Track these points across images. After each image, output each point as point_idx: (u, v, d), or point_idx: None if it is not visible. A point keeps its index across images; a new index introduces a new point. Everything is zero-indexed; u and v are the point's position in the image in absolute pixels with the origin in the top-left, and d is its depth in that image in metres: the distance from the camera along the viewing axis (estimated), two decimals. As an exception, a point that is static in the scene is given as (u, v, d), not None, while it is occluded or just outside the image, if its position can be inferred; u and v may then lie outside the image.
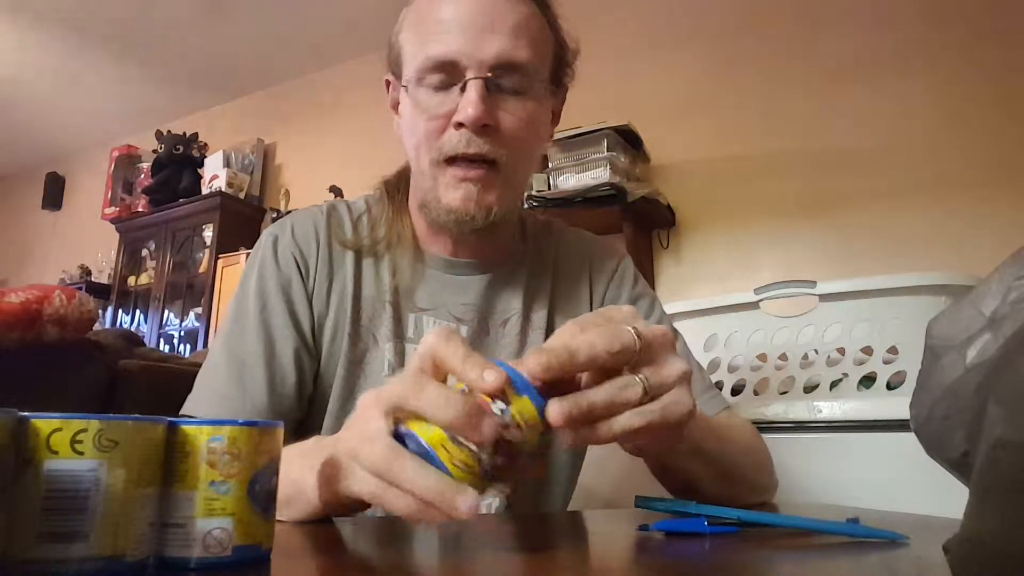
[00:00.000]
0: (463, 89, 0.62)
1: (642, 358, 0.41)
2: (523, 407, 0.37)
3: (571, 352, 0.38)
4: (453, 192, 0.65)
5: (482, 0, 0.63)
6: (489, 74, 0.62)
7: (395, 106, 0.73)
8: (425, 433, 0.36)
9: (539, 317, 0.75)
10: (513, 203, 0.70)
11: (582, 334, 0.40)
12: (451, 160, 0.64)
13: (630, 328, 0.41)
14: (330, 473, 0.42)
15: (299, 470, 0.45)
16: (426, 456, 0.36)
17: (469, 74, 0.62)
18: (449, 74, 0.63)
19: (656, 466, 0.60)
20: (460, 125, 0.63)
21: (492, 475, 0.37)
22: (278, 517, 0.46)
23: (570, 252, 0.80)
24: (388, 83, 0.73)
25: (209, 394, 0.66)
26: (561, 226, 0.84)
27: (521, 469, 0.38)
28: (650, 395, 0.41)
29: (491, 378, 0.36)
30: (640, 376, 0.41)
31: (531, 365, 0.37)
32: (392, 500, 0.37)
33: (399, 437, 0.37)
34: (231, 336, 0.67)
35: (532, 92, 0.66)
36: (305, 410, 0.68)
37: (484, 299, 0.73)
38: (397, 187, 0.77)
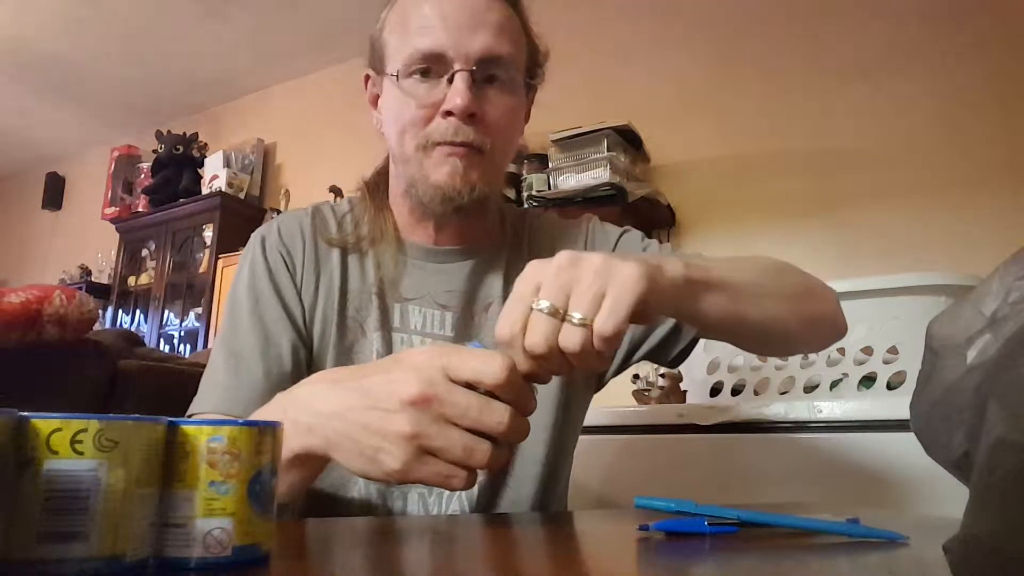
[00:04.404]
0: (450, 81, 0.66)
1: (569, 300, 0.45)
2: None
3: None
4: (440, 168, 0.68)
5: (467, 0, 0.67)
6: (474, 67, 0.66)
7: (374, 100, 0.77)
8: None
9: None
10: (494, 187, 0.74)
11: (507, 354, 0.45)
12: (437, 144, 0.68)
13: (534, 306, 0.45)
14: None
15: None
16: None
17: (456, 66, 0.66)
18: (436, 66, 0.67)
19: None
20: (448, 114, 0.66)
21: None
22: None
23: (543, 234, 0.83)
24: (367, 79, 0.77)
25: (209, 390, 0.68)
26: (536, 212, 0.87)
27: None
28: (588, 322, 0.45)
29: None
30: (572, 317, 0.45)
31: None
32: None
33: None
34: (227, 334, 0.70)
35: (512, 86, 0.70)
36: None
37: (467, 285, 0.76)
38: (376, 185, 0.80)
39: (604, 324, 0.44)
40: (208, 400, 0.67)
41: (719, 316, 0.56)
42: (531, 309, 0.45)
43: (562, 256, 0.47)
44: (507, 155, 0.74)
